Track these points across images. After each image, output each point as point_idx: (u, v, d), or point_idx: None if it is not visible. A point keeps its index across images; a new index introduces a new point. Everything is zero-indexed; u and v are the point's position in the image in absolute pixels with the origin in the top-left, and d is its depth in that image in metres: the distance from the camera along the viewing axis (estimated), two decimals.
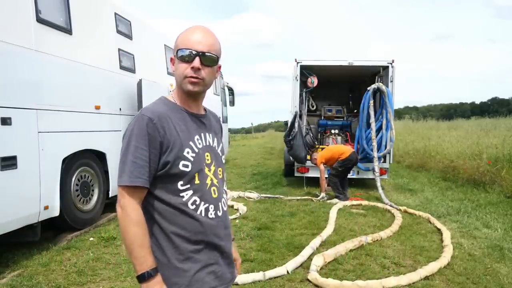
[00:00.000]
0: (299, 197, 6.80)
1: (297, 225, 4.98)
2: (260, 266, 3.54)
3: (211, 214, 1.30)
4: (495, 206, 6.14)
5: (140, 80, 5.68)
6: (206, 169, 1.31)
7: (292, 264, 3.49)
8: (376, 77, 8.12)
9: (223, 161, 1.43)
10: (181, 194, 1.25)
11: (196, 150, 1.28)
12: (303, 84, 8.37)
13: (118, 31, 5.47)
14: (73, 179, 4.50)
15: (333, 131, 9.17)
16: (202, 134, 1.33)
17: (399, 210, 5.77)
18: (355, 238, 4.22)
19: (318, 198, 6.70)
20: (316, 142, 8.48)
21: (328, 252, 3.75)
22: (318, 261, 3.48)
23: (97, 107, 4.88)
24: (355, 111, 9.58)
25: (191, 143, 1.27)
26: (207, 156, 1.32)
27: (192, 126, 1.31)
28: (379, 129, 7.57)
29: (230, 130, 18.16)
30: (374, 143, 7.28)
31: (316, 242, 4.10)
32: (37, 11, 3.85)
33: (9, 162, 3.44)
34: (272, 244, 4.18)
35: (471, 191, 7.36)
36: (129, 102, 5.63)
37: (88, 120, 4.70)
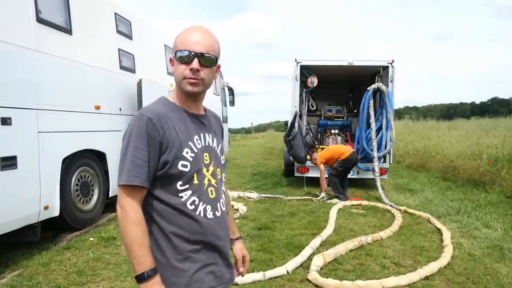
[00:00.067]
0: (299, 197, 6.79)
1: (297, 225, 4.98)
2: (260, 266, 3.54)
3: (209, 214, 1.30)
4: (495, 206, 6.14)
5: (140, 80, 5.69)
6: (204, 169, 1.31)
7: (292, 264, 3.49)
8: (376, 77, 8.12)
9: (222, 161, 1.43)
10: (180, 195, 1.25)
11: (195, 150, 1.28)
12: (303, 84, 8.37)
13: (118, 31, 5.47)
14: (73, 179, 4.50)
15: (333, 131, 9.17)
16: (202, 135, 1.33)
17: (399, 210, 5.77)
18: (355, 238, 4.22)
19: (318, 198, 6.70)
20: (316, 142, 8.48)
21: (328, 252, 3.75)
22: (318, 261, 3.48)
23: (97, 107, 4.88)
24: (355, 111, 9.58)
25: (190, 143, 1.27)
26: (206, 156, 1.32)
27: (192, 127, 1.31)
28: (379, 129, 7.57)
29: (230, 130, 18.17)
30: (374, 143, 7.28)
31: (316, 242, 4.10)
32: (37, 11, 3.85)
33: (9, 162, 3.44)
34: (272, 244, 4.18)
35: (471, 191, 7.36)
36: (129, 102, 5.63)
37: (88, 120, 4.70)
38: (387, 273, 3.45)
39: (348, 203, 6.26)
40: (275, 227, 4.88)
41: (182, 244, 1.25)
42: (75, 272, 3.42)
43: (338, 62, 7.88)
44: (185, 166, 1.25)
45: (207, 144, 1.34)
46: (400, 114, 22.62)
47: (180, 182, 1.25)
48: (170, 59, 1.31)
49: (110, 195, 5.29)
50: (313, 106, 9.71)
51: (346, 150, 6.84)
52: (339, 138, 9.05)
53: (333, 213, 5.42)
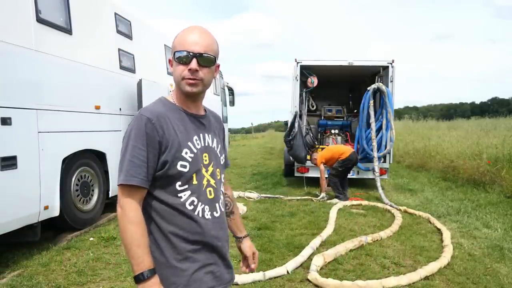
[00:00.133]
0: (299, 197, 6.79)
1: (297, 225, 4.98)
2: (260, 266, 3.54)
3: (207, 214, 1.30)
4: (495, 206, 6.14)
5: (140, 80, 5.69)
6: (203, 170, 1.31)
7: (292, 264, 3.49)
8: (376, 77, 8.12)
9: (222, 162, 1.43)
10: (179, 195, 1.25)
11: (195, 151, 1.28)
12: (303, 84, 8.37)
13: (118, 31, 5.47)
14: (73, 179, 4.50)
15: (333, 131, 9.17)
16: (201, 135, 1.33)
17: (399, 210, 5.77)
18: (355, 238, 4.22)
19: (318, 198, 6.70)
20: (316, 142, 8.48)
21: (328, 252, 3.75)
22: (318, 261, 3.48)
23: (97, 107, 4.88)
24: (355, 111, 9.58)
25: (189, 143, 1.27)
26: (205, 156, 1.32)
27: (191, 127, 1.31)
28: (379, 129, 7.57)
29: (230, 130, 18.18)
30: (374, 143, 7.28)
31: (316, 242, 4.10)
32: (37, 11, 3.85)
33: (9, 162, 3.44)
34: (272, 244, 4.18)
35: (471, 191, 7.36)
36: (129, 102, 5.63)
37: (88, 120, 4.70)
38: (387, 273, 3.45)
39: (348, 203, 6.26)
40: (275, 227, 4.88)
41: (182, 244, 1.25)
42: (75, 272, 3.42)
43: (338, 62, 7.88)
44: (184, 166, 1.25)
45: (206, 144, 1.34)
46: (400, 114, 22.63)
47: (179, 183, 1.25)
48: (169, 60, 1.31)
49: (110, 195, 5.28)
50: (313, 106, 9.71)
51: (346, 150, 6.84)
52: (339, 138, 9.05)
53: (333, 213, 5.42)
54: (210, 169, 1.33)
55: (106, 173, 5.19)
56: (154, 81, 6.15)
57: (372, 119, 7.38)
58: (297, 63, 7.80)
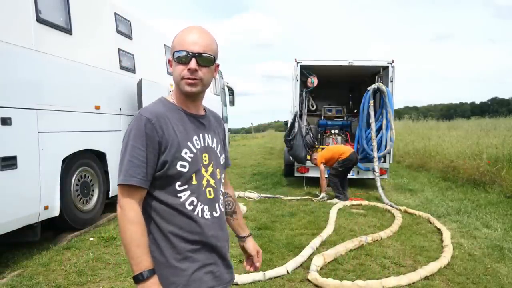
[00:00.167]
0: (299, 197, 6.79)
1: (297, 225, 4.98)
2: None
3: (206, 214, 1.30)
4: (495, 206, 6.13)
5: (140, 80, 5.69)
6: (203, 170, 1.31)
7: (292, 264, 3.49)
8: (376, 77, 8.12)
9: (222, 161, 1.43)
10: (178, 195, 1.25)
11: (194, 151, 1.28)
12: (303, 84, 8.37)
13: (118, 31, 5.47)
14: (73, 179, 4.50)
15: (333, 131, 9.17)
16: (201, 135, 1.33)
17: (399, 210, 5.77)
18: (355, 238, 4.22)
19: (318, 198, 6.70)
20: (316, 142, 8.48)
21: (328, 252, 3.75)
22: (318, 261, 3.48)
23: (97, 107, 4.88)
24: (355, 111, 9.58)
25: (189, 143, 1.27)
26: (205, 156, 1.32)
27: (191, 127, 1.31)
28: (379, 129, 7.57)
29: (230, 130, 18.19)
30: (374, 143, 7.28)
31: (316, 242, 4.10)
32: (37, 11, 3.85)
33: (9, 162, 3.44)
34: (272, 244, 4.18)
35: (471, 191, 7.36)
36: (129, 102, 5.63)
37: (88, 120, 4.70)
38: (387, 273, 3.45)
39: (348, 203, 6.26)
40: (275, 227, 4.88)
41: (181, 243, 1.25)
42: (75, 272, 3.42)
43: (338, 62, 7.88)
44: (184, 166, 1.25)
45: (206, 144, 1.34)
46: (400, 114, 22.63)
47: (179, 183, 1.25)
48: (169, 60, 1.31)
49: (110, 195, 5.28)
50: (313, 106, 9.71)
51: (346, 150, 6.84)
52: (339, 138, 9.05)
53: (333, 213, 5.42)
54: (210, 169, 1.33)
55: (106, 173, 5.19)
56: (154, 81, 6.15)
57: (372, 119, 7.38)
58: (297, 63, 7.80)
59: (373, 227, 4.94)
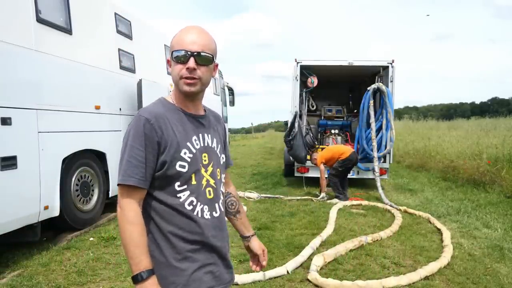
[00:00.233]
0: (299, 197, 6.79)
1: (297, 225, 4.98)
2: None
3: (206, 214, 1.30)
4: (495, 206, 6.13)
5: (140, 80, 5.69)
6: (203, 170, 1.30)
7: (292, 264, 3.49)
8: (376, 77, 8.12)
9: (222, 162, 1.42)
10: (178, 195, 1.25)
11: (194, 151, 1.28)
12: (303, 84, 8.37)
13: (118, 31, 5.47)
14: (73, 179, 4.50)
15: (333, 131, 9.17)
16: (201, 135, 1.33)
17: (399, 210, 5.77)
18: (355, 238, 4.22)
19: (318, 198, 6.70)
20: (316, 142, 8.48)
21: (328, 252, 3.75)
22: (318, 261, 3.48)
23: (97, 107, 4.88)
24: (355, 111, 9.58)
25: (188, 143, 1.27)
26: (205, 156, 1.32)
27: (190, 127, 1.31)
28: (379, 129, 7.56)
29: (230, 130, 18.19)
30: (374, 143, 7.28)
31: (316, 242, 4.10)
32: (37, 11, 3.85)
33: (9, 162, 3.44)
34: (272, 244, 4.18)
35: (471, 191, 7.36)
36: (129, 102, 5.63)
37: (88, 120, 4.70)
38: (387, 273, 3.45)
39: (348, 203, 6.26)
40: (275, 227, 4.88)
41: (181, 243, 1.25)
42: (75, 272, 3.42)
43: (338, 62, 7.88)
44: (183, 166, 1.25)
45: (206, 144, 1.34)
46: (400, 114, 22.63)
47: (178, 183, 1.25)
48: (167, 60, 1.31)
49: (110, 195, 5.29)
50: (313, 106, 9.71)
51: (346, 150, 6.84)
52: (339, 138, 9.05)
53: (333, 213, 5.42)
54: (210, 169, 1.33)
55: (106, 173, 5.19)
56: (154, 81, 6.15)
57: (372, 119, 7.38)
58: (297, 63, 7.80)
59: (373, 227, 4.94)
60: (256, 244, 1.58)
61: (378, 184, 6.91)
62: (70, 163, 4.41)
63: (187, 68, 1.23)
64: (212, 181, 1.33)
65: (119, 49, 5.44)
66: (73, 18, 4.42)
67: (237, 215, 1.57)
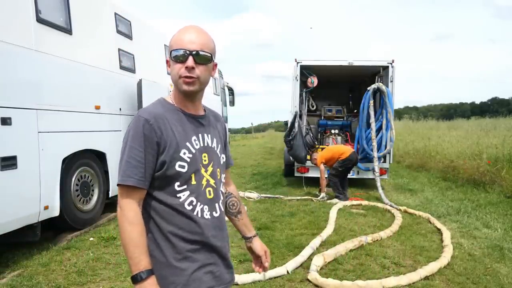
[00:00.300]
0: (299, 197, 6.80)
1: (297, 225, 4.98)
2: None
3: (206, 214, 1.30)
4: (495, 206, 6.13)
5: (140, 80, 5.69)
6: (203, 170, 1.31)
7: (292, 264, 3.49)
8: (376, 77, 8.11)
9: (222, 162, 1.42)
10: (178, 195, 1.25)
11: (193, 151, 1.28)
12: (303, 84, 8.37)
13: (118, 31, 5.47)
14: (73, 179, 4.50)
15: (333, 131, 9.17)
16: (200, 135, 1.33)
17: (399, 210, 5.77)
18: (355, 238, 4.22)
19: (318, 198, 6.70)
20: (316, 142, 8.48)
21: (328, 252, 3.75)
22: (318, 261, 3.48)
23: (97, 107, 4.88)
24: (355, 111, 9.58)
25: (187, 144, 1.28)
26: (205, 156, 1.32)
27: (189, 127, 1.31)
28: (379, 129, 7.56)
29: (230, 130, 18.20)
30: (374, 143, 7.28)
31: (316, 242, 4.10)
32: (37, 11, 3.85)
33: (9, 162, 3.44)
34: (272, 244, 4.18)
35: (471, 191, 7.36)
36: (129, 102, 5.63)
37: (88, 120, 4.70)
38: (387, 273, 3.45)
39: (348, 203, 6.26)
40: (275, 227, 4.88)
41: (181, 243, 1.25)
42: (75, 272, 3.42)
43: (338, 62, 7.88)
44: (183, 166, 1.25)
45: (206, 144, 1.34)
46: (400, 114, 22.63)
47: (177, 183, 1.25)
48: (167, 61, 1.32)
49: (110, 195, 5.29)
50: (313, 106, 9.71)
51: (346, 150, 6.84)
52: (339, 138, 9.05)
53: (333, 213, 5.42)
54: (210, 169, 1.33)
55: (106, 173, 5.19)
56: (154, 81, 6.15)
57: (372, 119, 7.38)
58: (297, 63, 7.80)
59: (373, 227, 4.94)
60: (258, 245, 1.58)
61: (378, 184, 6.91)
62: (70, 163, 4.41)
63: (186, 67, 1.23)
64: (212, 181, 1.33)
65: (119, 49, 5.44)
66: (73, 18, 4.42)
67: (238, 215, 1.56)
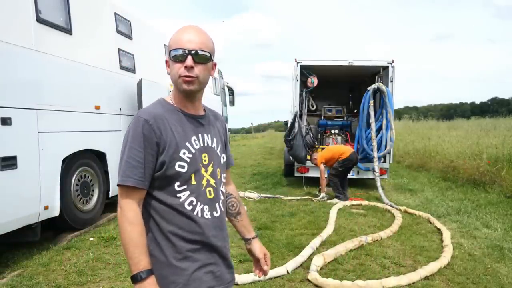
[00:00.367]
0: (299, 197, 6.80)
1: (297, 225, 4.98)
2: None
3: (206, 214, 1.30)
4: (495, 206, 6.14)
5: (140, 80, 5.69)
6: (203, 170, 1.31)
7: (292, 264, 3.49)
8: (376, 77, 8.12)
9: (222, 161, 1.42)
10: (178, 195, 1.26)
11: (193, 151, 1.28)
12: (303, 84, 8.37)
13: (118, 31, 5.47)
14: (73, 179, 4.50)
15: (333, 131, 9.17)
16: (200, 135, 1.33)
17: (399, 210, 5.77)
18: (355, 238, 4.22)
19: (318, 198, 6.70)
20: (316, 142, 8.48)
21: (328, 252, 3.75)
22: (318, 261, 3.48)
23: (97, 107, 4.88)
24: (355, 111, 9.58)
25: (187, 144, 1.28)
26: (205, 156, 1.32)
27: (189, 127, 1.31)
28: (379, 129, 7.57)
29: (230, 130, 18.20)
30: (374, 143, 7.28)
31: (316, 242, 4.10)
32: (37, 11, 3.85)
33: (9, 162, 3.44)
34: (272, 244, 4.18)
35: (471, 191, 7.36)
36: (129, 102, 5.63)
37: (88, 120, 4.70)
38: (387, 273, 3.45)
39: (348, 203, 6.26)
40: (275, 227, 4.88)
41: (181, 243, 1.25)
42: (75, 272, 3.42)
43: (338, 62, 7.88)
44: (182, 167, 1.25)
45: (205, 144, 1.34)
46: (400, 114, 22.63)
47: (177, 183, 1.25)
48: (166, 61, 1.32)
49: (110, 195, 5.29)
50: (313, 106, 9.71)
51: (346, 150, 6.84)
52: (339, 138, 9.05)
53: (333, 213, 5.42)
54: (210, 169, 1.33)
55: (106, 173, 5.19)
56: (154, 81, 6.15)
57: (372, 119, 7.38)
58: (297, 63, 7.80)
59: (373, 227, 4.94)
60: (257, 248, 1.56)
61: (378, 184, 6.91)
62: (70, 163, 4.41)
63: (185, 67, 1.23)
64: (212, 181, 1.33)
65: (119, 49, 5.44)
66: (73, 18, 4.42)
67: (237, 216, 1.56)
